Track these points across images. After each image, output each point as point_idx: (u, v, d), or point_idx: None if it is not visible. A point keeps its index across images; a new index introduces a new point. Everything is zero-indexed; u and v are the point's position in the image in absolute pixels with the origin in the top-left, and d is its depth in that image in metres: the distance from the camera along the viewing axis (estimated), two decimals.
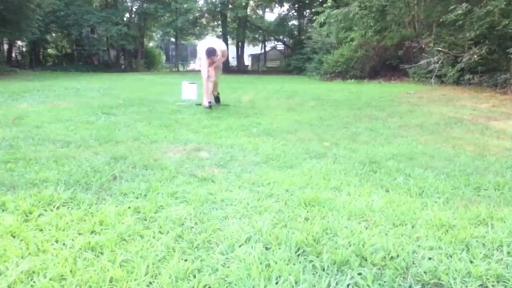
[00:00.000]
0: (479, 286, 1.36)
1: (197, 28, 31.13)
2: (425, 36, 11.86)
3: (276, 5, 30.27)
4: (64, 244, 1.60)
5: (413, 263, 1.49)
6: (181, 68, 33.27)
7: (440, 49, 10.90)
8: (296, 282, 1.36)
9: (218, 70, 6.58)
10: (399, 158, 3.09)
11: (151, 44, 35.67)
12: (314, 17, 16.41)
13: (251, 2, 29.10)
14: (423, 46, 11.88)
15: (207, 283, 1.35)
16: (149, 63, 30.43)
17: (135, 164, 2.81)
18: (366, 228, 1.79)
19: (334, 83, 13.56)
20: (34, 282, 1.35)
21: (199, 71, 6.34)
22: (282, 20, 30.45)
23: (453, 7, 9.62)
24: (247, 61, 37.75)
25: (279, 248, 1.58)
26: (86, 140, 3.59)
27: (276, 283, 1.36)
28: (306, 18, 28.52)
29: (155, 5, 25.35)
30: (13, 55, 23.72)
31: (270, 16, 32.72)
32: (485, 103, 7.02)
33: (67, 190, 2.20)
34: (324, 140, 3.81)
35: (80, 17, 23.21)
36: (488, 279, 1.39)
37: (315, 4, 23.48)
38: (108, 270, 1.41)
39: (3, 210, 1.93)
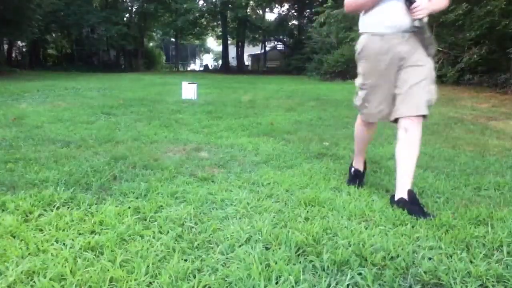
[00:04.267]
0: (479, 286, 1.36)
1: (197, 28, 31.14)
2: None
3: (276, 5, 30.27)
4: (64, 244, 1.60)
5: (413, 263, 1.49)
6: (181, 68, 33.27)
7: (440, 49, 10.89)
8: (296, 282, 1.36)
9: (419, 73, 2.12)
10: None
11: (151, 44, 35.67)
12: (314, 17, 16.43)
13: (251, 2, 29.10)
14: None
15: (207, 283, 1.35)
16: (149, 63, 30.44)
17: (135, 164, 2.81)
18: (366, 228, 1.78)
19: (334, 83, 13.56)
20: (34, 282, 1.35)
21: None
22: (282, 20, 30.47)
23: (453, 7, 9.61)
24: (247, 61, 37.76)
25: (279, 248, 1.58)
26: (86, 140, 3.59)
27: (276, 283, 1.36)
28: (306, 18, 28.52)
29: (155, 5, 25.36)
30: (13, 55, 23.71)
31: (270, 16, 32.74)
32: (485, 103, 7.02)
33: (67, 190, 2.20)
34: (324, 140, 3.81)
35: (80, 17, 23.23)
36: (488, 279, 1.39)
37: (315, 4, 23.48)
38: (108, 270, 1.41)
39: (3, 210, 1.93)
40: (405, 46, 2.11)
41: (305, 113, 5.72)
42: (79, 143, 3.45)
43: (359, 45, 2.26)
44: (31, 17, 17.52)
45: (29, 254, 1.52)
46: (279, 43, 34.13)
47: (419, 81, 2.10)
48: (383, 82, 2.19)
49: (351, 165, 2.57)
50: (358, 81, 2.31)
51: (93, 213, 1.91)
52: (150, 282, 1.36)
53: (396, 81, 2.16)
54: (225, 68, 29.90)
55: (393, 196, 2.13)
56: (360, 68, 2.29)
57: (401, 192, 2.08)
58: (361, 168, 2.53)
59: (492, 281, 1.38)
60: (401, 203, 2.04)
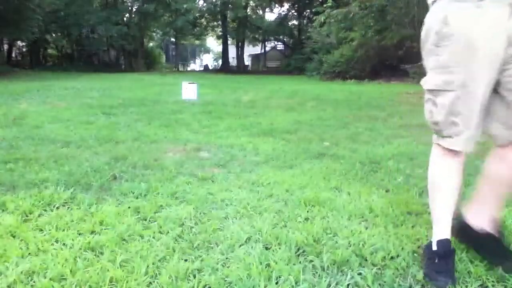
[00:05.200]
0: (479, 286, 1.36)
1: (197, 28, 31.17)
2: None
3: (276, 5, 30.29)
4: (64, 244, 1.60)
5: (413, 263, 1.49)
6: (181, 68, 33.30)
7: None
8: (296, 282, 1.36)
9: None
10: (399, 158, 3.09)
11: (151, 44, 35.70)
12: (314, 17, 16.44)
13: (251, 2, 29.13)
14: None
15: (207, 283, 1.35)
16: (149, 63, 30.46)
17: (135, 164, 2.81)
18: (366, 228, 1.78)
19: (334, 83, 13.56)
20: (34, 282, 1.35)
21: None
22: (282, 20, 30.50)
23: None
24: (247, 61, 37.77)
25: (279, 248, 1.58)
26: (86, 140, 3.59)
27: (276, 283, 1.36)
28: (306, 18, 28.53)
29: (155, 5, 25.37)
30: (13, 55, 23.74)
31: (270, 16, 32.74)
32: None
33: (67, 190, 2.20)
34: (324, 140, 3.81)
35: (80, 17, 23.24)
36: (488, 279, 1.39)
37: (315, 4, 23.49)
38: (108, 270, 1.41)
39: (3, 210, 1.93)
40: None
41: (305, 113, 5.72)
42: (79, 143, 3.45)
43: (437, 18, 1.35)
44: (31, 17, 17.55)
45: (29, 254, 1.52)
46: (279, 43, 34.15)
47: None
48: (478, 78, 1.31)
49: (430, 243, 1.46)
50: (435, 79, 1.43)
51: (93, 213, 1.91)
52: (150, 282, 1.36)
53: (501, 77, 1.32)
54: (225, 68, 29.92)
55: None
56: (438, 57, 1.39)
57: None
58: (448, 236, 1.43)
59: (492, 281, 1.38)
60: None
